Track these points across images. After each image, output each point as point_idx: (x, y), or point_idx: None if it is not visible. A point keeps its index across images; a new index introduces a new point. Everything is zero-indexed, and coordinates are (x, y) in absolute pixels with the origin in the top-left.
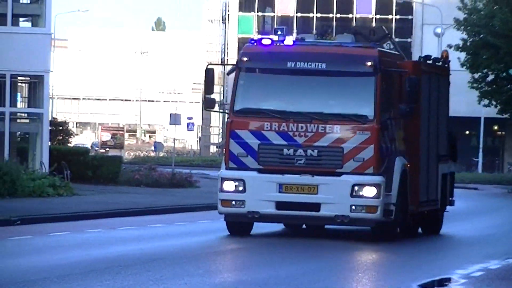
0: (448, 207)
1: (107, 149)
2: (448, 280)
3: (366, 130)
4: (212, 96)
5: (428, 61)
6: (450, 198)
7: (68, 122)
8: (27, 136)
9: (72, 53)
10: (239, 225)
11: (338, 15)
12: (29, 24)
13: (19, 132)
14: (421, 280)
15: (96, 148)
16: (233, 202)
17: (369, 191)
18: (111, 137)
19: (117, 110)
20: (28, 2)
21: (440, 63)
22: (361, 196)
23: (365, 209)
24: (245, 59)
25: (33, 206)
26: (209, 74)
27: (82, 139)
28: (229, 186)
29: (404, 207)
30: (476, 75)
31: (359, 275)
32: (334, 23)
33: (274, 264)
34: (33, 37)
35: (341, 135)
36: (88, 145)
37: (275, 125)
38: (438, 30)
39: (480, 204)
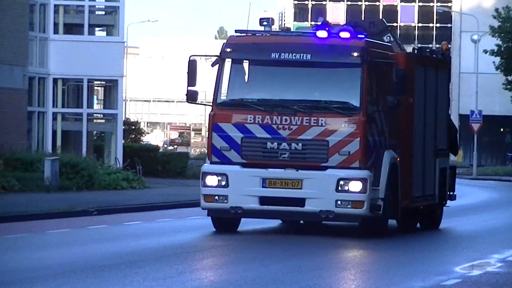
0: (453, 202)
1: (175, 146)
2: (486, 263)
3: (352, 123)
4: (195, 88)
5: (423, 53)
6: (451, 193)
7: (140, 122)
8: (103, 134)
9: (143, 59)
10: (225, 221)
11: None
12: (104, 33)
13: (96, 131)
14: (460, 264)
15: (165, 146)
16: (216, 197)
17: (355, 186)
18: (179, 136)
19: (184, 111)
20: (103, 13)
21: (438, 56)
22: (347, 191)
23: (350, 204)
24: (228, 50)
25: (109, 198)
26: (191, 66)
27: (152, 138)
28: (211, 181)
29: (395, 202)
30: (510, 78)
31: (391, 266)
32: None
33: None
34: (107, 45)
35: (326, 128)
36: (155, 143)
37: (258, 118)
38: (475, 37)
39: None
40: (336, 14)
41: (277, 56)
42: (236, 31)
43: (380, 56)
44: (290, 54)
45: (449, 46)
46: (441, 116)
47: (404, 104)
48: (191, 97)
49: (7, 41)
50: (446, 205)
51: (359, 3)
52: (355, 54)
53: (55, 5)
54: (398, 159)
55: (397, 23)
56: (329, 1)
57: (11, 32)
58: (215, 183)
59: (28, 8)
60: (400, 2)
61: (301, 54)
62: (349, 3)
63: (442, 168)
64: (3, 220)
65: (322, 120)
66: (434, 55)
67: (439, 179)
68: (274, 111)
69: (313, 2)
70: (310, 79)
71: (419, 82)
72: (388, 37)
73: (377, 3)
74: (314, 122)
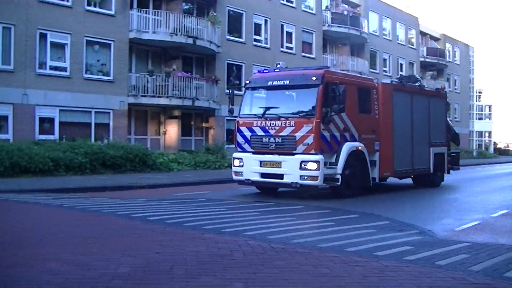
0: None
1: None
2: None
3: (310, 123)
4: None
5: (405, 84)
6: (456, 167)
7: None
8: None
9: None
10: (269, 188)
11: None
12: None
13: None
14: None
15: None
16: (238, 173)
17: (312, 166)
18: None
19: None
20: None
21: (435, 90)
22: (306, 169)
23: (309, 178)
24: (247, 82)
25: None
26: (231, 93)
27: None
28: (236, 162)
29: (365, 175)
30: None
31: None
32: None
33: None
34: None
35: (295, 127)
36: None
37: (259, 122)
38: None
39: None
40: None
41: (271, 83)
42: (258, 71)
43: (336, 80)
44: (278, 81)
45: (444, 86)
46: (435, 123)
47: (383, 113)
48: (231, 111)
49: None
50: (449, 173)
51: None
52: (314, 78)
53: None
54: (360, 148)
55: None
56: None
57: None
58: (237, 164)
59: None
60: None
61: (284, 81)
62: None
63: (437, 153)
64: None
65: (292, 122)
66: (427, 88)
67: (433, 159)
68: (268, 118)
69: None
70: (288, 96)
71: (399, 102)
72: (418, 83)
73: None
74: (288, 124)
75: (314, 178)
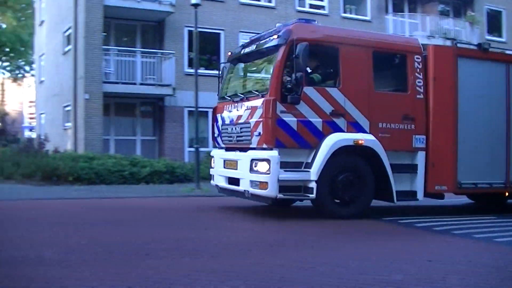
0: None
1: None
2: None
3: (262, 104)
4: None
5: (489, 48)
6: None
7: None
8: None
9: None
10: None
11: None
12: None
13: None
14: None
15: None
16: (211, 176)
17: (262, 167)
18: None
19: None
20: None
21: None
22: (256, 172)
23: (258, 185)
24: (229, 53)
25: None
26: (222, 71)
27: None
28: (212, 162)
29: (369, 186)
30: None
31: None
32: None
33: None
34: None
35: (251, 111)
36: None
37: (227, 107)
38: None
39: None
40: None
41: (244, 52)
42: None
43: (316, 38)
44: (248, 48)
45: None
46: None
47: (435, 93)
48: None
49: None
50: None
51: None
52: (275, 37)
53: None
54: (362, 142)
55: None
56: None
57: None
58: (212, 164)
59: None
60: None
61: (251, 46)
62: None
63: None
64: None
65: (249, 104)
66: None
67: None
68: (234, 100)
69: None
70: (254, 68)
71: (473, 75)
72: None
73: None
74: (247, 107)
75: (263, 185)
